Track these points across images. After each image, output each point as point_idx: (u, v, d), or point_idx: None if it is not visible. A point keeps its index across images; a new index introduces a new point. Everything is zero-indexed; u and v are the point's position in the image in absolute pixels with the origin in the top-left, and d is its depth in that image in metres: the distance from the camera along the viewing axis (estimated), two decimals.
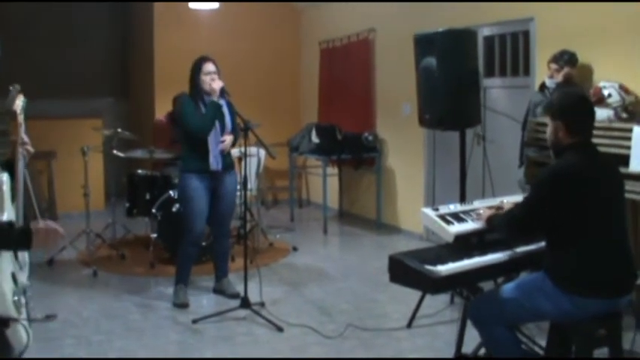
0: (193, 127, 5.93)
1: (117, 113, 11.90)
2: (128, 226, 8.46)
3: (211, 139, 6.00)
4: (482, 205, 4.38)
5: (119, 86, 12.50)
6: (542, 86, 6.25)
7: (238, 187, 6.36)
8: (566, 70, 6.04)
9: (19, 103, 3.44)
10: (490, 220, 4.09)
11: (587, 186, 3.61)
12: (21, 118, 3.40)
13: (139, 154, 7.82)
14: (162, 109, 8.83)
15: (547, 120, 3.92)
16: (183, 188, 6.14)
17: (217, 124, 6.01)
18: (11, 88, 3.43)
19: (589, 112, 3.83)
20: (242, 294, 5.88)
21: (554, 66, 6.10)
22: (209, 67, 5.99)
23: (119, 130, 7.93)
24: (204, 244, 6.78)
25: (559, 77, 6.05)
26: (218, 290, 6.49)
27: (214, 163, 6.05)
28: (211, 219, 6.26)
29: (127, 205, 7.95)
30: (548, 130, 3.87)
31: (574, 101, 3.87)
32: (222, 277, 6.48)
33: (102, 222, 8.40)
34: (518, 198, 4.40)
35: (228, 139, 6.07)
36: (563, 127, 3.75)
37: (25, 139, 3.41)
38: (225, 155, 6.14)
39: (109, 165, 8.74)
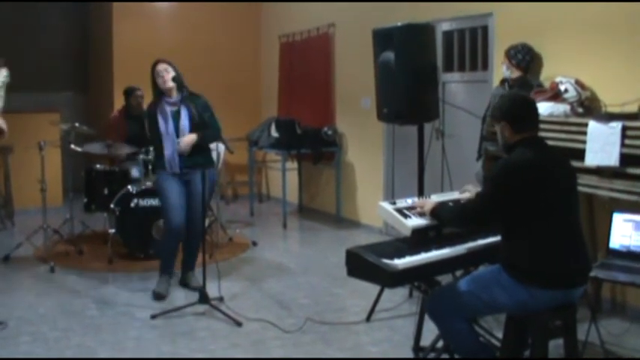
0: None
1: (75, 107, 11.78)
2: (86, 222, 8.38)
3: (166, 143, 6.10)
4: (435, 199, 4.39)
5: (78, 80, 12.36)
6: (503, 81, 6.31)
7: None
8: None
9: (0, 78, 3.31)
10: (435, 212, 4.11)
11: (540, 178, 3.66)
12: None
13: (97, 148, 7.74)
14: (120, 104, 8.74)
15: (495, 125, 3.98)
16: (157, 184, 6.31)
17: (172, 127, 6.07)
18: None
19: (530, 109, 3.91)
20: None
21: (507, 60, 6.23)
22: (158, 67, 6.11)
23: (77, 124, 7.84)
24: None
25: (514, 72, 6.17)
26: (183, 283, 6.52)
27: (170, 165, 6.11)
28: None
29: (85, 200, 7.89)
30: (498, 133, 3.95)
31: (513, 100, 3.97)
32: (188, 271, 6.50)
33: (59, 218, 8.32)
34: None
35: (184, 140, 6.05)
36: (509, 127, 3.83)
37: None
38: (193, 155, 6.10)
39: (67, 160, 8.62)
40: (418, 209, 4.20)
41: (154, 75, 6.10)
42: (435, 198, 4.41)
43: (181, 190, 6.16)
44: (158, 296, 6.15)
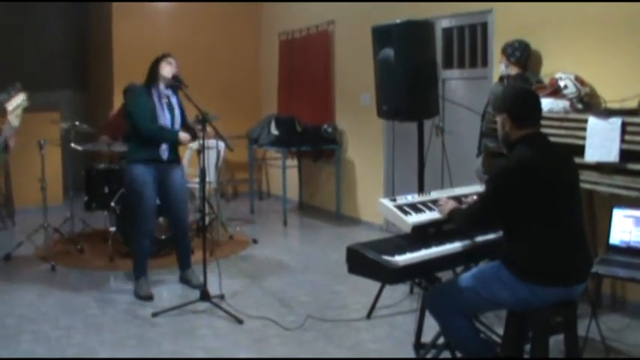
0: (141, 125, 6.05)
1: (75, 106, 11.78)
2: (87, 220, 8.39)
3: None
4: (442, 196, 4.40)
5: (78, 78, 12.35)
6: (501, 78, 6.31)
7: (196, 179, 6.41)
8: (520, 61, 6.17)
9: (17, 101, 3.53)
10: (452, 214, 4.11)
11: (541, 177, 3.64)
12: (12, 117, 3.50)
13: (97, 147, 7.75)
14: (120, 102, 8.74)
15: (495, 116, 3.96)
16: (131, 179, 6.15)
17: (168, 116, 6.13)
18: (12, 86, 3.54)
19: (534, 103, 3.87)
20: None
21: (504, 58, 6.22)
22: (171, 59, 6.16)
23: (77, 123, 7.86)
24: (163, 237, 6.75)
25: (513, 69, 6.16)
26: (184, 280, 6.54)
27: (163, 152, 6.14)
28: (165, 211, 6.35)
29: (86, 198, 7.86)
30: (498, 125, 3.92)
31: (517, 93, 3.95)
32: (186, 268, 6.52)
33: (60, 216, 8.31)
34: (477, 188, 4.45)
35: (184, 135, 6.16)
36: (510, 120, 3.80)
37: (8, 132, 3.56)
38: (172, 150, 6.23)
39: (67, 158, 8.64)
40: (437, 206, 4.24)
41: (159, 63, 6.12)
42: (436, 194, 4.42)
43: (155, 187, 6.18)
44: (147, 298, 6.13)
